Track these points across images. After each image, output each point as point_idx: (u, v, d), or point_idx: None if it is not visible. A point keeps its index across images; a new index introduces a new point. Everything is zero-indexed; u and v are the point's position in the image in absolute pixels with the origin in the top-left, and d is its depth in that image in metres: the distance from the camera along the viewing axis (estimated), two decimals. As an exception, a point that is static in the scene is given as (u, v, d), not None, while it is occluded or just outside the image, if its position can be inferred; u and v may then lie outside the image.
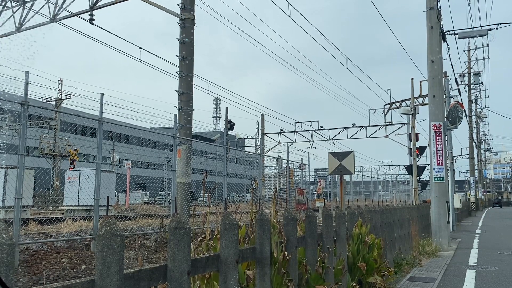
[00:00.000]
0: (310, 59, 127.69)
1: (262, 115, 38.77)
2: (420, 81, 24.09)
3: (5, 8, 17.66)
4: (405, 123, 28.74)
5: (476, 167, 56.34)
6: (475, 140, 53.09)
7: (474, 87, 50.30)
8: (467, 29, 15.33)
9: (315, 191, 40.07)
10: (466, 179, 57.78)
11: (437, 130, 12.86)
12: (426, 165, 21.76)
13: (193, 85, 13.24)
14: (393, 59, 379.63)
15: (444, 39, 13.77)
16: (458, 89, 27.65)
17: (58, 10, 15.87)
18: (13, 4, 17.35)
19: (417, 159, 21.04)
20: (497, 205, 75.30)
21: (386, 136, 33.42)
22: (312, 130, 36.28)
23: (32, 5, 16.98)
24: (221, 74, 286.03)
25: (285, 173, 28.71)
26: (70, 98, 37.08)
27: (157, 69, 37.64)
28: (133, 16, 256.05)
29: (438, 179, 12.81)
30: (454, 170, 25.43)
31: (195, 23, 13.16)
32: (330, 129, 36.11)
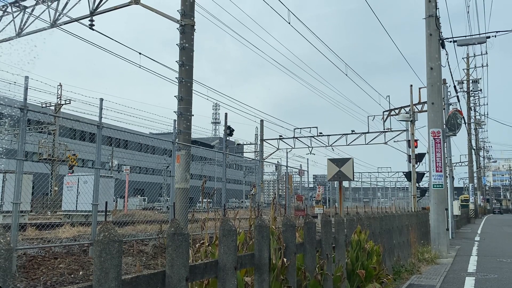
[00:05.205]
0: (311, 66, 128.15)
1: (261, 121, 38.82)
2: (419, 88, 24.16)
3: (6, 13, 17.72)
4: (404, 130, 28.78)
5: (475, 174, 56.36)
6: (474, 147, 53.15)
7: (473, 94, 50.46)
8: (466, 36, 15.40)
9: (314, 197, 40.05)
10: (465, 186, 57.80)
11: (436, 137, 12.88)
12: (425, 172, 21.77)
13: (193, 91, 13.27)
14: (395, 66, 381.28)
15: (443, 47, 13.83)
16: (457, 96, 27.80)
17: (59, 16, 15.93)
18: (14, 10, 17.41)
19: (416, 166, 21.04)
20: (497, 211, 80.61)
21: (385, 143, 33.46)
22: (311, 137, 36.32)
23: (32, 11, 17.05)
24: (225, 80, 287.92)
25: (284, 179, 28.69)
26: (69, 103, 37.13)
27: (157, 74, 37.76)
28: (139, 23, 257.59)
29: (437, 186, 12.80)
30: (453, 177, 25.41)
31: (195, 29, 13.21)
32: (329, 135, 36.17)
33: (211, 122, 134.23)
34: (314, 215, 22.41)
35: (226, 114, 34.11)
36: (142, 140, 59.74)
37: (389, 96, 37.61)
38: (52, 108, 37.25)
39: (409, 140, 22.62)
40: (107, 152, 40.99)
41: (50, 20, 16.07)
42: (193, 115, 13.16)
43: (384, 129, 32.77)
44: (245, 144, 54.21)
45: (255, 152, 51.60)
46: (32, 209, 23.15)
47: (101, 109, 10.21)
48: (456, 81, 37.56)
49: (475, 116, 53.51)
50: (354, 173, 14.72)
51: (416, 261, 9.99)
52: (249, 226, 4.04)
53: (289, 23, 18.79)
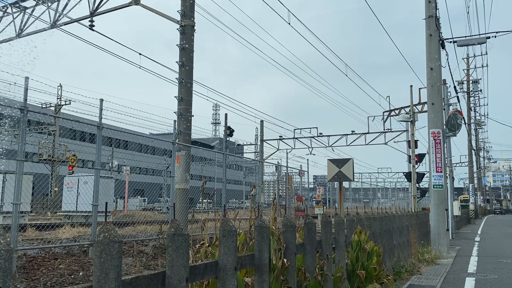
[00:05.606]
0: (311, 67, 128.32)
1: (261, 121, 38.83)
2: (419, 89, 24.14)
3: (6, 14, 17.73)
4: (404, 130, 28.78)
5: (475, 175, 56.34)
6: (474, 148, 53.14)
7: (473, 94, 50.46)
8: (466, 37, 15.41)
9: (314, 198, 40.02)
10: (465, 186, 57.78)
11: (436, 138, 12.88)
12: (425, 173, 21.75)
13: (193, 92, 13.27)
14: (395, 67, 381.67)
15: (443, 47, 13.83)
16: (457, 97, 27.77)
17: (59, 16, 15.94)
18: (14, 10, 17.42)
19: (416, 166, 21.03)
20: (497, 212, 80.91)
21: (385, 143, 33.46)
22: (311, 137, 36.32)
23: (32, 11, 17.06)
24: (225, 80, 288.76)
25: (284, 179, 28.68)
26: (70, 103, 37.16)
27: (157, 75, 37.65)
28: (139, 23, 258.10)
29: (437, 186, 12.80)
30: (453, 177, 25.40)
31: (195, 30, 13.21)
32: (329, 136, 36.18)
33: (211, 123, 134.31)
34: (314, 215, 22.39)
35: (226, 114, 34.13)
36: (142, 140, 59.73)
37: (389, 96, 37.51)
38: (52, 108, 37.26)
39: (409, 141, 22.61)
40: (107, 153, 40.99)
41: (50, 20, 16.08)
42: (193, 116, 13.15)
43: (384, 130, 32.78)
44: (245, 145, 54.24)
45: (255, 152, 51.60)
46: (32, 209, 23.14)
47: (101, 109, 10.21)
48: (456, 81, 37.59)
49: (475, 117, 53.56)
50: (354, 174, 14.72)
51: (416, 262, 9.98)
52: (249, 227, 4.04)
53: (289, 23, 18.79)
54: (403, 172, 32.52)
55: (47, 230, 14.77)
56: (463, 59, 50.99)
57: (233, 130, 33.69)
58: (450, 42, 14.16)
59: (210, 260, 3.13)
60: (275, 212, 4.43)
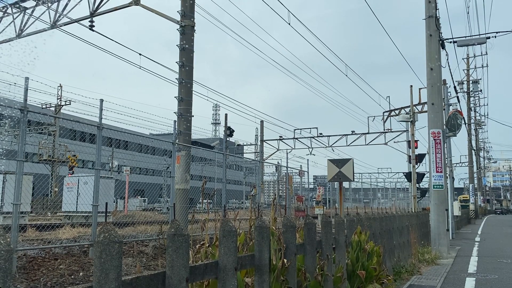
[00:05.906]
0: (311, 67, 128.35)
1: (262, 121, 38.83)
2: (419, 89, 24.13)
3: (6, 14, 17.74)
4: (404, 131, 28.77)
5: (475, 175, 56.34)
6: (474, 148, 53.13)
7: (473, 94, 50.47)
8: (466, 37, 15.41)
9: (314, 198, 40.00)
10: (465, 186, 57.78)
11: (436, 138, 12.88)
12: (425, 173, 21.76)
13: (193, 92, 13.27)
14: (395, 67, 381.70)
15: (443, 47, 13.84)
16: (457, 97, 27.79)
17: (59, 17, 15.94)
18: (14, 11, 17.42)
19: (416, 166, 21.03)
20: (498, 212, 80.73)
21: (385, 144, 33.46)
22: (311, 137, 36.33)
23: (32, 12, 17.06)
24: (226, 81, 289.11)
25: (284, 180, 28.66)
26: (70, 104, 37.17)
27: (157, 75, 37.75)
28: (140, 24, 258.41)
29: (437, 186, 12.80)
30: (453, 177, 25.39)
31: (195, 30, 13.21)
32: (329, 136, 36.18)
33: (211, 123, 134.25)
34: (314, 215, 22.39)
35: (226, 115, 34.12)
36: (142, 141, 59.72)
37: (389, 96, 37.37)
38: (52, 109, 37.28)
39: (409, 141, 22.61)
40: (107, 153, 41.00)
41: (50, 21, 16.08)
42: (193, 116, 13.15)
43: (384, 130, 32.79)
44: (245, 145, 54.25)
45: (255, 152, 51.61)
46: (32, 210, 23.15)
47: (101, 110, 10.21)
48: (456, 81, 37.59)
49: (475, 117, 53.57)
50: (354, 174, 14.73)
51: (417, 262, 9.98)
52: (249, 227, 4.04)
53: (289, 24, 18.79)
54: (403, 172, 32.49)
55: (47, 231, 14.77)
56: (463, 59, 51.03)
57: (233, 130, 33.70)
58: (450, 42, 14.17)
59: (210, 260, 3.13)
60: (275, 212, 4.43)
